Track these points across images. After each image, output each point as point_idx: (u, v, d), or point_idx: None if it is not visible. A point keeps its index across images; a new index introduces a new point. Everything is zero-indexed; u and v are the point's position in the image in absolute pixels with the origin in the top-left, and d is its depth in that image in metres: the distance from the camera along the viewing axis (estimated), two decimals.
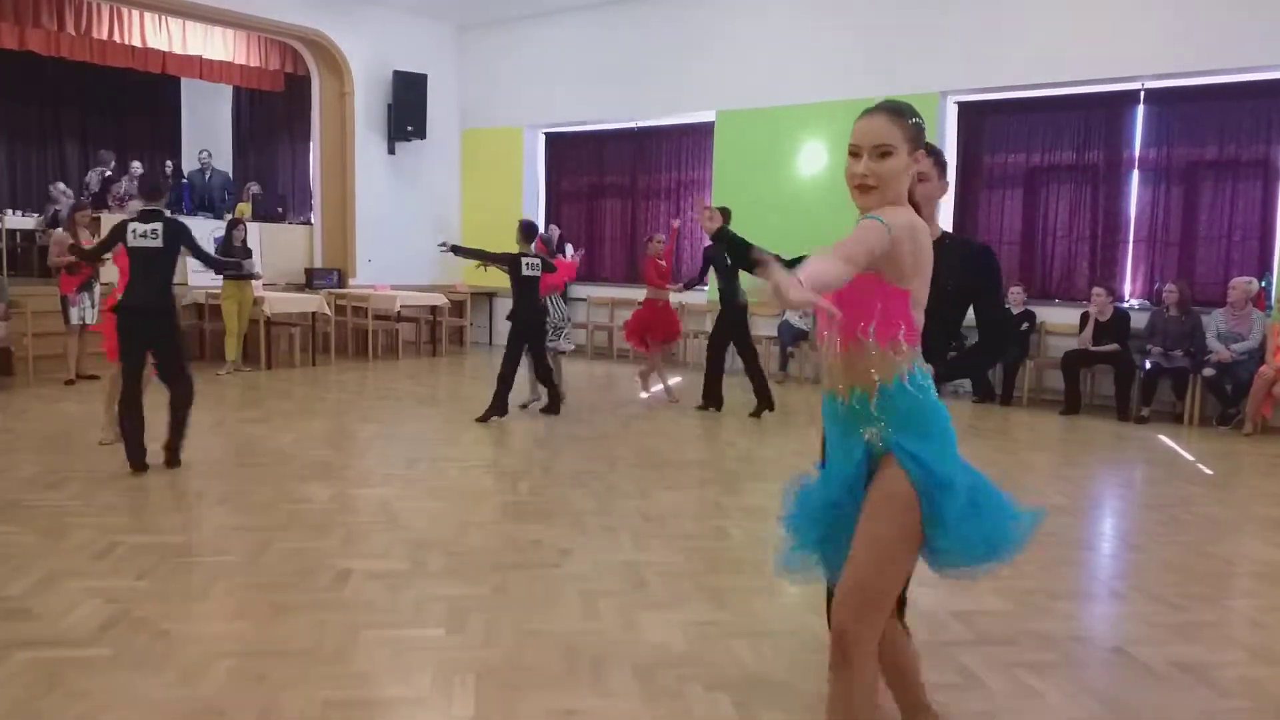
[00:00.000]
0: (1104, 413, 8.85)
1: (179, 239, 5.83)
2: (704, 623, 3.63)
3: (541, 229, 12.09)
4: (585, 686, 3.08)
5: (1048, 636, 3.58)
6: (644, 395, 9.25)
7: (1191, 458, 7.09)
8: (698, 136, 12.02)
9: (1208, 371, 8.21)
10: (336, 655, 3.25)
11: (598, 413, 8.40)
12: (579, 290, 12.83)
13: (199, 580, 3.94)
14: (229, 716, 2.81)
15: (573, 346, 9.48)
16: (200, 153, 14.02)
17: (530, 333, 7.96)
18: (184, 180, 13.74)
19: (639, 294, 9.48)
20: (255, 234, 11.13)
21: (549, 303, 8.47)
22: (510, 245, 8.10)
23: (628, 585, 4.02)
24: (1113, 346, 8.71)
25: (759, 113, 11.08)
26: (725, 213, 6.90)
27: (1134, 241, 9.43)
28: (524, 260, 7.91)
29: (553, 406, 8.20)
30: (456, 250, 8.33)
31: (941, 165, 2.79)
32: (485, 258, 8.04)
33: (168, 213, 6.06)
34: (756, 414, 8.21)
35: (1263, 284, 8.48)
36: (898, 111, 2.19)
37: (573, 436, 7.34)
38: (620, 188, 12.97)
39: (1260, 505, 5.86)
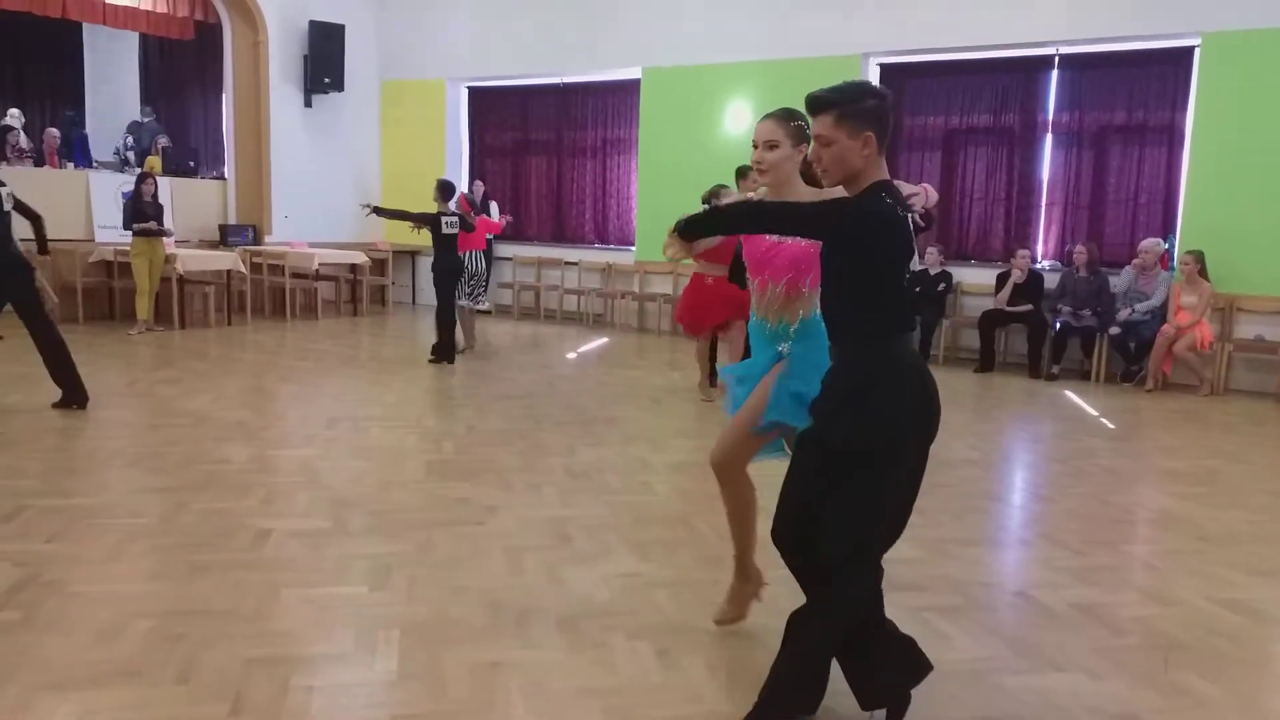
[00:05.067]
0: (1017, 370, 9.16)
1: None
2: (627, 575, 3.68)
3: (466, 186, 12.02)
4: (510, 638, 3.11)
5: (957, 581, 3.73)
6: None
7: (1096, 413, 7.39)
8: (624, 94, 11.93)
9: (1114, 330, 8.54)
10: (257, 614, 3.22)
11: (524, 372, 8.38)
12: (504, 249, 12.70)
13: (112, 542, 3.84)
14: (146, 676, 2.76)
15: (485, 305, 9.65)
16: (143, 109, 13.90)
17: (443, 282, 8.43)
18: (84, 132, 13.14)
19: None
20: (166, 189, 10.73)
21: (468, 259, 8.80)
22: (432, 203, 8.49)
23: (553, 540, 4.05)
24: (1027, 307, 9.00)
25: (683, 71, 11.03)
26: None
27: (1046, 204, 9.71)
28: (443, 219, 8.30)
29: (445, 355, 8.47)
30: (379, 211, 8.59)
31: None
32: (408, 218, 8.43)
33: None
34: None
35: (1166, 246, 8.83)
36: (784, 115, 2.92)
37: (499, 396, 7.31)
38: (546, 144, 12.81)
39: (1158, 458, 6.16)
